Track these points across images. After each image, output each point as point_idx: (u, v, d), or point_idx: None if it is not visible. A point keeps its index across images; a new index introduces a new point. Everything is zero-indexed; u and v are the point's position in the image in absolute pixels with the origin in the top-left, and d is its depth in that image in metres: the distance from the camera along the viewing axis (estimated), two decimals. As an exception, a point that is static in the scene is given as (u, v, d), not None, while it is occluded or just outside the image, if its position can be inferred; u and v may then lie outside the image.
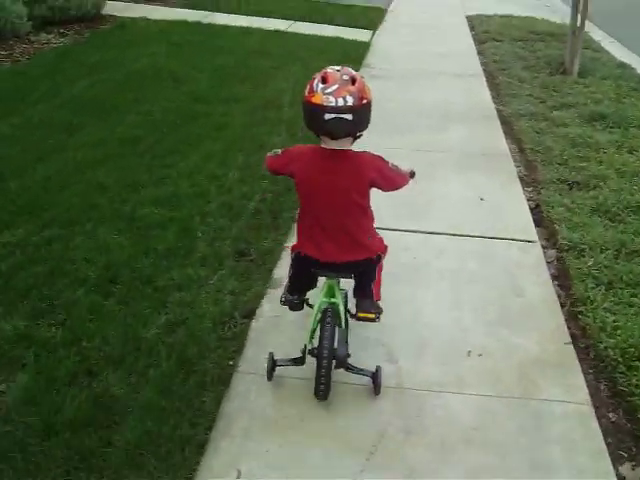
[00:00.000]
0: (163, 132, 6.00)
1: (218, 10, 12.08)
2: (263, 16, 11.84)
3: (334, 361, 2.88)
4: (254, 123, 6.32)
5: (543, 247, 4.64)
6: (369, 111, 2.65)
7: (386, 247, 3.11)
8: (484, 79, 8.56)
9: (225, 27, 10.63)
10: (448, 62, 9.41)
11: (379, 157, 2.82)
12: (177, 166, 5.36)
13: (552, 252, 4.61)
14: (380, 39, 10.86)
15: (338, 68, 2.64)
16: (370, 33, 11.25)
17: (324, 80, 2.57)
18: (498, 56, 9.53)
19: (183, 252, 4.22)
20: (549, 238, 4.76)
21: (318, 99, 2.54)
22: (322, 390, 2.91)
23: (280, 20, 11.64)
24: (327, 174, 2.72)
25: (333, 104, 2.52)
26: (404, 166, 2.98)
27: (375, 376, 3.05)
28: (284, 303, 3.14)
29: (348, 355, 2.95)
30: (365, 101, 2.59)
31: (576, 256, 4.35)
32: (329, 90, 2.54)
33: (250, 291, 3.90)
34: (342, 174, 2.71)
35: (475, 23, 12.47)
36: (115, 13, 11.16)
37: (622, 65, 9.06)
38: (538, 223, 4.98)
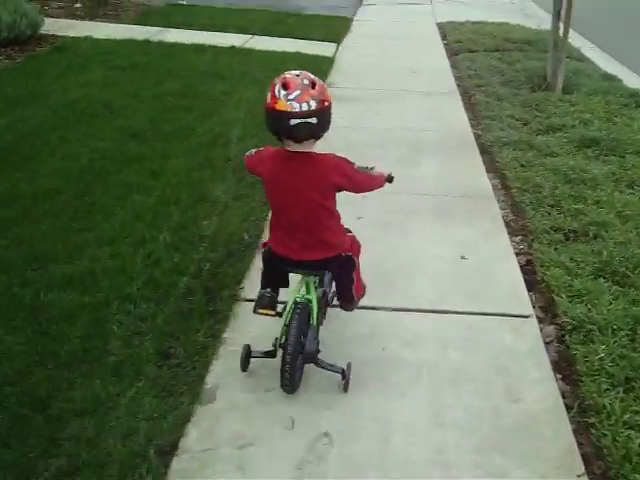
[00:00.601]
0: (87, 182, 5.09)
1: (170, 25, 11.14)
2: (219, 30, 10.97)
3: (301, 356, 2.95)
4: (195, 166, 5.43)
5: (540, 321, 3.79)
6: (330, 113, 2.73)
7: (358, 246, 3.23)
8: (459, 98, 7.73)
9: (175, 45, 9.71)
10: (419, 78, 8.58)
11: (343, 159, 2.86)
12: (98, 229, 4.45)
13: (551, 329, 3.78)
14: (345, 53, 9.99)
15: (297, 73, 2.71)
16: (334, 47, 10.40)
17: (285, 86, 2.64)
18: (473, 70, 8.72)
19: (91, 356, 3.31)
20: (546, 309, 3.93)
21: (282, 105, 2.62)
22: (287, 383, 2.94)
23: (236, 35, 10.77)
24: (290, 176, 2.78)
25: (297, 110, 2.60)
26: (381, 169, 3.08)
27: (344, 373, 3.06)
28: (256, 302, 3.03)
29: (318, 351, 3.00)
30: (327, 103, 2.68)
31: (582, 340, 3.52)
32: (292, 96, 2.61)
33: (173, 413, 3.00)
34: (304, 176, 2.77)
35: (447, 31, 11.66)
36: (56, 32, 10.21)
37: (608, 77, 8.27)
38: (531, 286, 4.15)
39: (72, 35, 10.12)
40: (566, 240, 4.55)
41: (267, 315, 2.99)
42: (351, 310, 3.37)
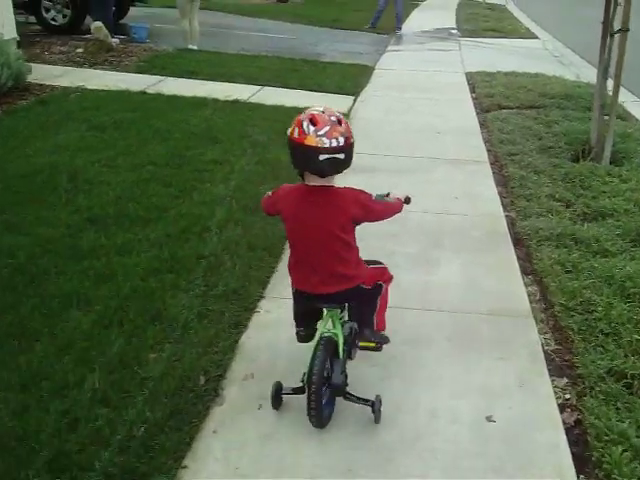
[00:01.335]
0: (16, 291, 4.03)
1: (174, 74, 10.20)
2: (226, 80, 10.03)
3: (329, 389, 2.96)
4: (156, 267, 4.36)
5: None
6: (353, 149, 2.83)
7: (390, 277, 3.29)
8: (489, 169, 6.62)
9: (173, 98, 8.73)
10: (445, 142, 7.50)
11: (361, 191, 2.95)
12: (9, 367, 3.33)
13: None
14: (362, 108, 8.93)
15: (322, 109, 2.79)
16: (351, 100, 9.32)
17: (314, 122, 2.71)
18: (506, 133, 7.60)
19: None
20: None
21: (312, 141, 2.70)
22: (313, 414, 2.92)
23: (244, 86, 9.80)
24: (311, 210, 2.87)
25: (327, 145, 2.70)
26: (397, 193, 3.19)
27: (374, 405, 3.04)
28: (297, 338, 3.25)
29: (345, 384, 3.01)
30: (352, 140, 2.80)
31: None
32: (321, 132, 2.70)
33: None
34: (325, 209, 2.86)
35: (476, 83, 10.57)
36: (46, 81, 9.34)
37: (664, 143, 7.05)
38: (583, 465, 2.95)
39: (64, 85, 9.25)
40: (629, 393, 3.35)
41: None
42: (368, 340, 3.31)
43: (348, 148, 2.78)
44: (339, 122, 2.77)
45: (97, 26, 11.65)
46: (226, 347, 3.68)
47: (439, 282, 4.46)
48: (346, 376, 3.05)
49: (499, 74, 11.22)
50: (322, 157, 2.71)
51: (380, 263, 3.31)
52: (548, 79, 10.75)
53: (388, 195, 3.15)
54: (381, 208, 3.04)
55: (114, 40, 12.21)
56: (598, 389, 3.40)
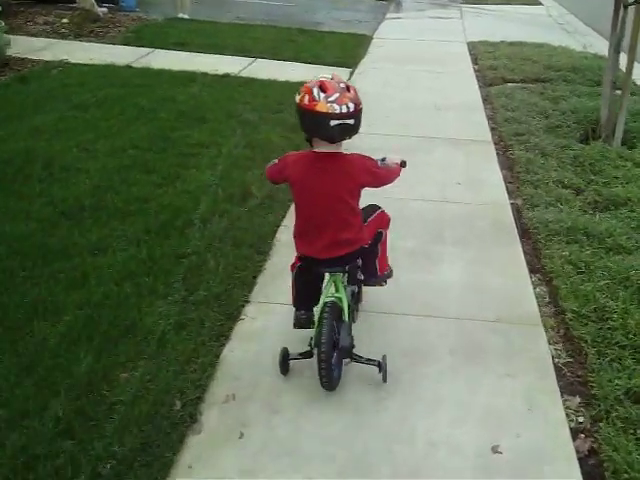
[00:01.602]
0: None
1: (163, 46, 9.73)
2: (217, 52, 9.58)
3: (337, 352, 3.02)
4: (132, 270, 3.99)
5: None
6: (361, 115, 2.84)
7: (388, 219, 3.45)
8: (493, 150, 6.21)
9: (161, 72, 8.31)
10: (446, 119, 7.10)
11: (368, 158, 3.01)
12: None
13: None
14: (359, 82, 8.46)
15: (330, 76, 2.84)
16: (347, 73, 8.87)
17: (324, 89, 2.74)
18: (510, 110, 7.18)
19: None
20: None
21: (323, 107, 2.72)
22: (325, 380, 2.98)
23: (236, 58, 9.35)
24: (320, 176, 2.90)
25: (338, 111, 2.73)
26: (394, 157, 3.24)
27: (381, 365, 3.12)
28: (294, 323, 3.21)
29: (352, 346, 3.07)
30: (361, 106, 2.83)
31: None
32: (332, 98, 2.73)
33: None
34: (334, 175, 2.89)
35: (479, 54, 10.10)
36: (29, 55, 8.91)
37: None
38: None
39: (46, 59, 8.80)
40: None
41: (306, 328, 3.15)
42: (374, 284, 3.50)
43: (357, 114, 2.80)
44: (348, 89, 2.80)
45: (82, -5, 11.13)
46: (206, 363, 3.34)
47: (440, 283, 4.11)
48: (352, 338, 3.11)
49: (502, 44, 10.77)
50: (333, 123, 2.74)
51: (377, 208, 3.40)
52: (554, 50, 10.28)
53: (384, 160, 3.19)
54: (385, 174, 3.11)
55: (101, 9, 11.74)
56: (615, 414, 3.08)
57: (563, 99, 7.54)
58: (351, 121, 2.79)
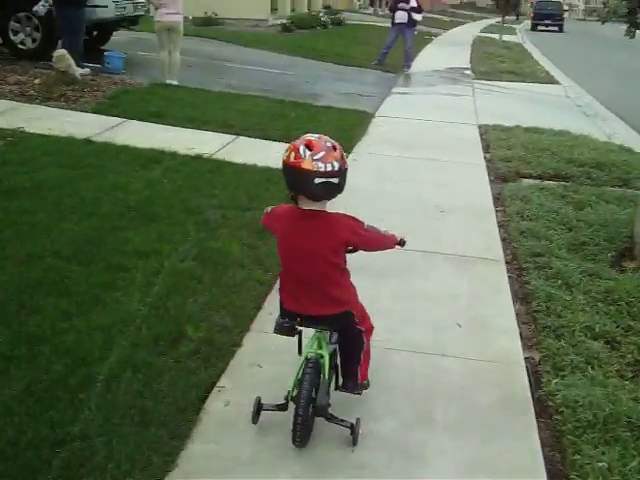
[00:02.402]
0: None
1: (137, 116, 8.63)
2: (196, 127, 8.49)
3: (313, 409, 2.99)
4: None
5: None
6: (346, 175, 2.89)
7: (371, 326, 3.28)
8: (505, 275, 4.99)
9: (122, 150, 7.18)
10: (450, 226, 5.94)
11: (352, 217, 3.00)
12: None
13: None
14: (351, 172, 7.12)
15: (317, 136, 2.86)
16: (340, 158, 7.60)
17: (309, 147, 2.78)
18: (527, 218, 6.01)
19: None
20: None
21: (308, 165, 2.76)
22: (298, 437, 2.98)
23: (217, 134, 8.29)
24: (303, 233, 2.92)
25: (323, 169, 2.76)
26: (394, 231, 3.19)
27: (353, 428, 3.08)
28: (275, 329, 3.11)
29: (328, 405, 3.04)
30: (346, 166, 2.87)
31: None
32: (317, 157, 2.76)
33: None
34: (316, 233, 2.90)
35: (491, 140, 8.98)
36: (-20, 122, 7.69)
37: None
38: None
39: (0, 126, 7.61)
40: None
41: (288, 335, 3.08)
42: (352, 392, 3.28)
43: (342, 173, 2.82)
44: (334, 148, 2.83)
45: (59, 54, 10.17)
46: None
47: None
48: (329, 396, 3.06)
49: (517, 129, 9.65)
50: (318, 181, 2.77)
51: (362, 306, 3.25)
52: (575, 139, 9.16)
53: (385, 231, 3.15)
54: (373, 236, 3.05)
55: (84, 70, 10.79)
56: None
57: (589, 204, 6.35)
58: (335, 180, 2.80)
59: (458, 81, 14.82)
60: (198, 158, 7.21)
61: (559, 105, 13.10)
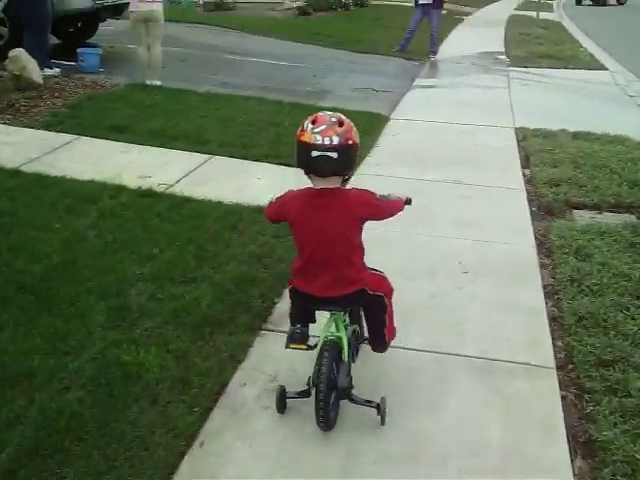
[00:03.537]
0: None
1: (94, 131, 6.99)
2: (162, 143, 6.82)
3: (335, 392, 2.97)
4: None
5: None
6: (355, 152, 2.86)
7: (390, 288, 3.21)
8: (559, 403, 3.11)
9: (55, 184, 5.69)
10: (475, 302, 4.31)
11: (365, 190, 2.98)
12: None
13: None
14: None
15: (330, 113, 2.86)
16: (339, 182, 5.81)
17: (314, 121, 2.79)
18: (587, 290, 4.18)
19: None
20: None
21: (307, 137, 2.77)
22: (322, 421, 2.95)
23: (185, 154, 6.66)
24: (317, 212, 2.87)
25: (320, 142, 2.74)
26: (397, 194, 3.07)
27: (379, 407, 3.05)
28: (287, 339, 3.01)
29: (351, 387, 3.04)
30: (351, 142, 2.80)
31: None
32: (317, 130, 2.76)
33: None
34: (333, 211, 2.86)
35: (531, 152, 7.17)
36: None
37: None
38: None
39: None
40: None
41: (299, 349, 2.99)
42: (383, 352, 3.32)
43: (343, 149, 2.75)
44: (340, 124, 2.79)
45: (13, 55, 8.57)
46: None
47: None
48: (351, 379, 3.05)
49: (563, 135, 7.82)
50: (315, 154, 2.75)
51: (380, 272, 3.23)
52: (636, 148, 7.25)
53: (390, 196, 3.05)
54: (385, 205, 3.01)
55: (52, 71, 9.31)
56: None
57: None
58: (334, 154, 2.73)
59: (491, 70, 12.88)
60: (149, 194, 5.54)
61: (608, 96, 11.13)
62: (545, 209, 5.77)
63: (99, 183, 5.71)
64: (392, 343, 3.48)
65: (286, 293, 4.23)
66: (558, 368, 3.59)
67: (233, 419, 3.16)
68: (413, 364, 3.52)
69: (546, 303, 4.20)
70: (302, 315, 3.16)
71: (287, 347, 3.00)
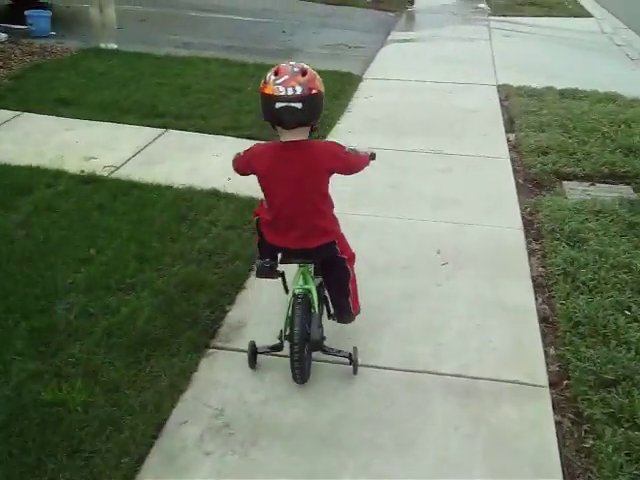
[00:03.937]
0: None
1: (38, 106, 6.34)
2: (112, 118, 6.20)
3: (308, 345, 2.97)
4: None
5: None
6: (320, 102, 2.76)
7: (352, 254, 3.13)
8: (552, 423, 2.71)
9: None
10: (455, 302, 3.82)
11: (333, 143, 3.02)
12: None
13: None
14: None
15: (292, 63, 2.77)
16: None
17: (276, 72, 2.71)
18: (583, 287, 3.69)
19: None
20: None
21: (269, 89, 2.69)
22: (298, 374, 2.98)
23: (137, 128, 6.07)
24: (286, 165, 2.82)
25: (283, 93, 2.66)
26: (363, 148, 3.04)
27: (351, 357, 3.08)
28: (257, 272, 3.04)
29: (323, 338, 3.04)
30: (315, 91, 2.71)
31: None
32: (279, 81, 2.67)
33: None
34: (299, 163, 2.80)
35: (516, 114, 6.62)
36: None
37: None
38: None
39: None
40: None
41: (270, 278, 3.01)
42: (349, 322, 3.25)
43: (307, 98, 2.67)
44: (303, 73, 2.70)
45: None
46: None
47: None
48: (323, 330, 3.04)
49: (550, 93, 7.24)
50: (278, 105, 2.67)
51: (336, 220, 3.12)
52: (629, 106, 6.75)
53: (355, 149, 2.98)
54: (353, 159, 2.95)
55: (-2, 36, 8.45)
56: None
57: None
58: (298, 105, 2.65)
59: (471, 20, 12.21)
60: (92, 180, 4.94)
61: (595, 46, 10.53)
62: (532, 181, 5.25)
63: (37, 169, 5.12)
64: (361, 361, 3.12)
65: (240, 299, 3.73)
66: (551, 385, 3.09)
67: (170, 469, 2.63)
68: (382, 390, 2.99)
69: (536, 299, 3.70)
70: (270, 251, 3.08)
71: (257, 277, 3.06)
